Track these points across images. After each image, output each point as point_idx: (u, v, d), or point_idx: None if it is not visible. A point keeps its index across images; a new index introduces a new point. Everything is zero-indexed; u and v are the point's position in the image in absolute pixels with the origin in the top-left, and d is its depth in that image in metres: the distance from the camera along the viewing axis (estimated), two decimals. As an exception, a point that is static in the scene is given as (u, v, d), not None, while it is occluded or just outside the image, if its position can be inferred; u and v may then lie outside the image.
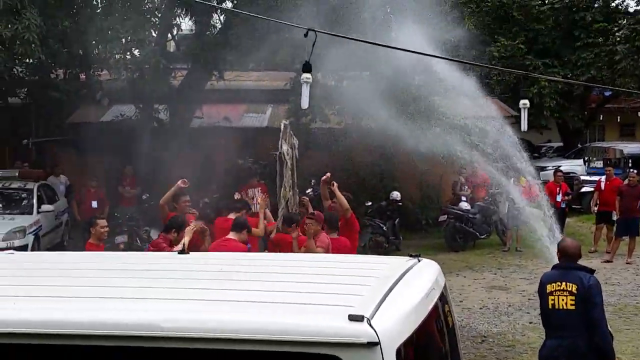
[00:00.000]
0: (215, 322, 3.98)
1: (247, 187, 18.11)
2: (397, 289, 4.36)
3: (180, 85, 19.47)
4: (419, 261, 5.08)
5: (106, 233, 9.53)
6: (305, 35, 8.53)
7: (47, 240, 17.32)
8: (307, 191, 18.10)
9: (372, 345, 3.72)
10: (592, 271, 7.36)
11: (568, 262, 7.30)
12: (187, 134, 19.84)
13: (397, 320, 3.99)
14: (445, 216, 18.31)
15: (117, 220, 17.14)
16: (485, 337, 11.17)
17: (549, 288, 7.23)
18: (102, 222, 9.52)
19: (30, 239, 16.10)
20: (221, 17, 19.68)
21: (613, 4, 32.59)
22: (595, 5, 31.39)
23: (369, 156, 20.25)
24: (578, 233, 19.97)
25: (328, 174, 11.47)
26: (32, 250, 15.63)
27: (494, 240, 18.31)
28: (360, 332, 3.75)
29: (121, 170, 19.29)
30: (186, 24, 20.07)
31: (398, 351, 3.83)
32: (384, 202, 18.48)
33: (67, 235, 18.80)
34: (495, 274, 15.38)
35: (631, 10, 32.41)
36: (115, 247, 16.27)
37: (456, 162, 19.08)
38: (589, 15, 30.34)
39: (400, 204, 18.42)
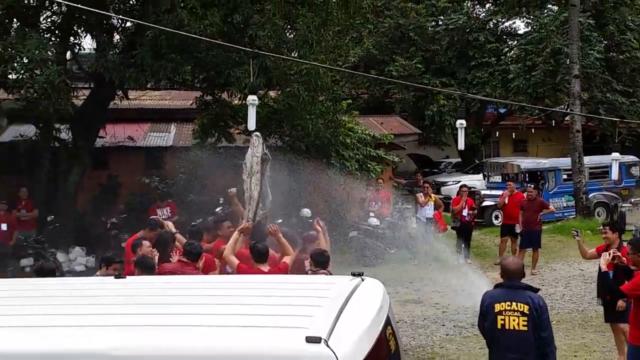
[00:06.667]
0: (168, 349, 3.88)
1: (155, 207, 17.87)
2: (348, 309, 4.35)
3: (82, 105, 18.97)
4: (363, 280, 5.09)
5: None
6: (252, 58, 8.49)
7: (-55, 265, 16.48)
8: (217, 209, 17.93)
9: (331, 366, 3.69)
10: (536, 290, 7.36)
11: (512, 281, 7.25)
12: (90, 153, 19.33)
13: (353, 341, 3.98)
14: (356, 232, 18.48)
15: (21, 242, 16.55)
16: (405, 350, 11.28)
17: (497, 307, 7.13)
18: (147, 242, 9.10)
19: None
20: (123, 36, 19.38)
21: (503, 26, 33.98)
22: (487, 27, 32.62)
23: (278, 174, 20.24)
24: (483, 245, 20.60)
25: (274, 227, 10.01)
26: None
27: (403, 255, 18.58)
28: (319, 353, 3.72)
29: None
30: (87, 43, 19.60)
31: (357, 371, 3.82)
32: (294, 219, 18.46)
33: (-33, 259, 17.95)
34: (407, 287, 15.59)
35: (520, 32, 33.88)
36: (21, 271, 15.70)
37: (363, 178, 19.38)
38: (482, 36, 31.49)
39: (311, 220, 18.42)
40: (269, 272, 8.40)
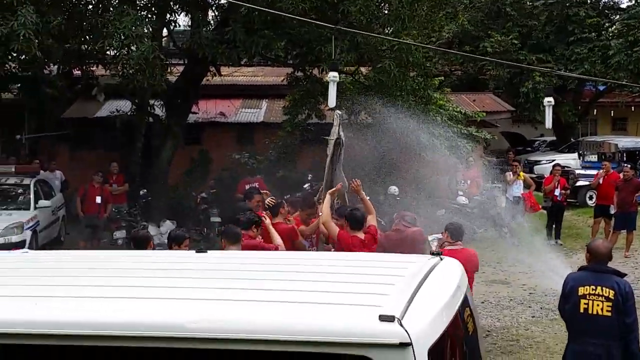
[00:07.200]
0: (244, 323, 3.92)
1: (244, 182, 18.10)
2: (424, 289, 4.32)
3: (176, 81, 19.39)
4: (441, 259, 5.05)
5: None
6: (332, 34, 8.49)
7: (44, 235, 17.22)
8: (305, 185, 18.08)
9: (405, 345, 3.67)
10: (623, 275, 7.07)
11: (599, 264, 6.98)
12: (183, 129, 19.77)
13: (427, 321, 3.95)
14: (444, 210, 18.26)
15: (115, 215, 17.11)
16: (489, 331, 11.13)
17: (581, 291, 6.88)
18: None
19: (27, 235, 15.98)
20: (217, 13, 19.65)
21: (605, 0, 32.76)
22: (588, 1, 31.50)
23: (365, 151, 20.20)
24: (575, 227, 20.08)
25: (357, 181, 9.71)
26: (30, 246, 15.50)
27: (491, 234, 18.28)
28: (392, 332, 3.70)
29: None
30: (182, 20, 19.95)
31: (430, 352, 3.78)
32: (381, 197, 18.42)
33: (64, 230, 18.71)
34: (494, 268, 15.35)
35: (623, 5, 32.58)
36: (113, 244, 16.27)
37: (452, 156, 19.10)
38: (582, 11, 30.42)
39: (399, 198, 18.36)
40: (365, 239, 8.55)
